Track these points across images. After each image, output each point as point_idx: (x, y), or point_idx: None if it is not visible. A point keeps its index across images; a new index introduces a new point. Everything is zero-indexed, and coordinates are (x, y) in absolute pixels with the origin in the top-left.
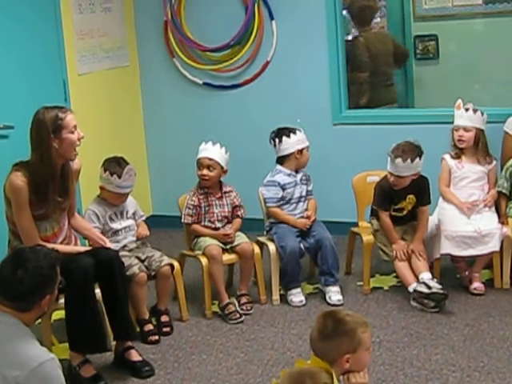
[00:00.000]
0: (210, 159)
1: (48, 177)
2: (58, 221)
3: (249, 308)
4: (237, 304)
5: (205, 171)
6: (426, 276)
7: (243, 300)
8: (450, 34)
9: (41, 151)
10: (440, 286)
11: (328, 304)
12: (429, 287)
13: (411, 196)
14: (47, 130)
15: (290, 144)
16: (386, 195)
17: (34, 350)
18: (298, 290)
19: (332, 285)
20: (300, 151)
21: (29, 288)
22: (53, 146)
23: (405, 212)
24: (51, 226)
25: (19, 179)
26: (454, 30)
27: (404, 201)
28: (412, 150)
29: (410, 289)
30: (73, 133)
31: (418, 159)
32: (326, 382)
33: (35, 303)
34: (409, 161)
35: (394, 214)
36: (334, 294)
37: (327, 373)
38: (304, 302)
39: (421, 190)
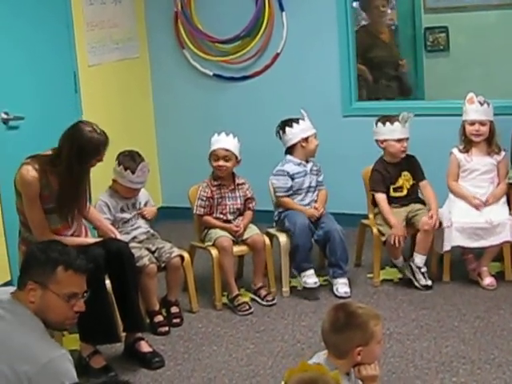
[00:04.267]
0: (227, 150)
1: (65, 183)
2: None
3: (271, 299)
4: (258, 298)
5: (221, 162)
6: (418, 261)
7: (263, 292)
8: (460, 25)
9: (71, 169)
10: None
11: (335, 296)
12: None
13: (405, 173)
14: (89, 156)
15: (294, 134)
16: (381, 177)
17: (45, 345)
18: (311, 271)
19: (340, 277)
20: (305, 139)
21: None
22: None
23: (404, 191)
24: (61, 218)
25: (30, 173)
26: (465, 21)
27: (400, 178)
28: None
29: (396, 263)
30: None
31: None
32: None
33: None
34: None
35: (394, 194)
36: (341, 286)
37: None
38: (318, 283)
39: (412, 165)
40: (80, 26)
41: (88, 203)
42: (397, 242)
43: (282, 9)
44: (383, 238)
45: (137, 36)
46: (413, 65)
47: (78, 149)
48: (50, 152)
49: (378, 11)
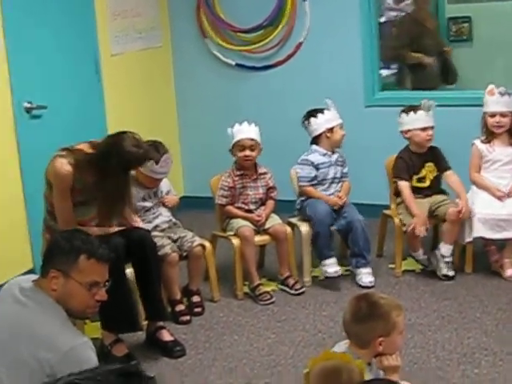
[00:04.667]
0: (252, 139)
1: (107, 191)
2: (95, 206)
3: (299, 287)
4: (286, 288)
5: (248, 152)
6: (444, 250)
7: (291, 281)
8: (484, 16)
9: (113, 176)
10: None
11: (359, 286)
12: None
13: (429, 164)
14: (132, 168)
15: (319, 124)
16: (405, 164)
17: (67, 332)
18: (332, 260)
19: (363, 267)
20: (330, 130)
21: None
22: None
23: (427, 182)
24: (89, 210)
25: (65, 167)
26: (488, 11)
27: (423, 169)
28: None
29: (415, 255)
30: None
31: None
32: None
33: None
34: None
35: (417, 185)
36: (365, 276)
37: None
38: (339, 272)
39: (436, 156)
40: (103, 15)
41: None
42: (417, 231)
43: None
44: (404, 228)
45: (159, 25)
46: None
47: (122, 162)
48: (83, 146)
49: None
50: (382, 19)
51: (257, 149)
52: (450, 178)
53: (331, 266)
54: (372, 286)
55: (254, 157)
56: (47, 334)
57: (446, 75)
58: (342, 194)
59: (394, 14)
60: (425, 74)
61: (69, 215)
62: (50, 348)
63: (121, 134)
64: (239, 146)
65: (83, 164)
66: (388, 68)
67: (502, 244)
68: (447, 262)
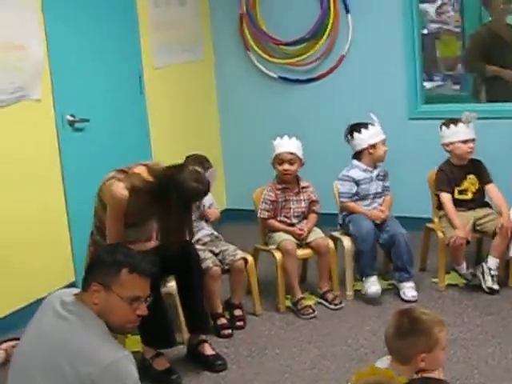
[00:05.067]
0: (291, 153)
1: (169, 223)
2: (146, 229)
3: (338, 302)
4: (325, 302)
5: (286, 166)
6: (492, 263)
7: (330, 296)
8: None
9: (175, 211)
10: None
11: (402, 300)
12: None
13: (471, 176)
14: (191, 203)
15: (362, 139)
16: (446, 177)
17: (108, 346)
18: (374, 278)
19: (406, 281)
20: (373, 146)
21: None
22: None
23: (469, 194)
24: (140, 233)
25: (122, 192)
26: None
27: (465, 181)
28: None
29: (458, 269)
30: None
31: None
32: None
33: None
34: None
35: (459, 197)
36: (408, 290)
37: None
38: (380, 291)
39: (478, 168)
40: (146, 28)
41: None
42: (458, 243)
43: (347, 11)
44: (446, 241)
45: (202, 38)
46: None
47: (183, 198)
48: (140, 170)
49: (498, 9)
50: (425, 31)
51: (296, 163)
52: (492, 191)
53: (372, 285)
54: (415, 301)
55: (294, 171)
56: (88, 348)
57: None
58: (384, 208)
59: (436, 26)
60: (502, 87)
61: (119, 237)
62: (90, 362)
63: (181, 167)
64: (278, 159)
65: (141, 191)
66: (431, 80)
67: None
68: (493, 276)
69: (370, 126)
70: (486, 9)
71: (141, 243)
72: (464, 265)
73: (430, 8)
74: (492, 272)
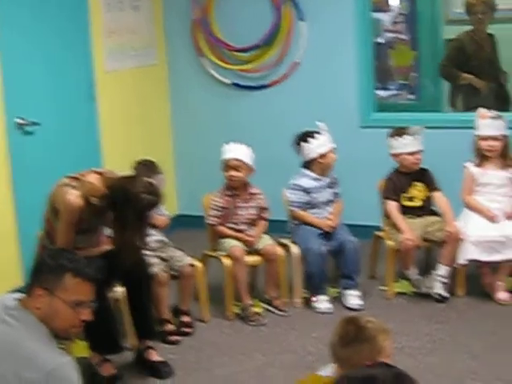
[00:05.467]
0: (238, 160)
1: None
2: (96, 236)
3: (286, 309)
4: (272, 308)
5: (232, 172)
6: (443, 272)
7: (278, 303)
8: None
9: (125, 221)
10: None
11: (347, 308)
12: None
13: (418, 183)
14: (143, 213)
15: (311, 149)
16: (393, 185)
17: (50, 352)
18: (325, 297)
19: (352, 288)
20: (323, 155)
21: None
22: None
23: (418, 202)
24: (88, 240)
25: (77, 201)
26: None
27: (412, 188)
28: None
29: (407, 273)
30: None
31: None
32: None
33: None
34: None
35: (408, 204)
36: (353, 298)
37: None
38: (331, 310)
39: (426, 177)
40: (98, 32)
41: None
42: (407, 245)
43: (300, 18)
44: (397, 247)
45: (155, 43)
46: (433, 76)
47: (137, 210)
48: (93, 178)
49: (477, 18)
50: (380, 40)
51: (243, 169)
52: (438, 199)
53: (322, 303)
54: (360, 309)
55: (240, 177)
56: (30, 354)
57: (500, 100)
58: (333, 215)
59: (391, 35)
60: (477, 97)
61: (69, 245)
62: (33, 367)
63: (135, 179)
64: (226, 165)
65: (96, 201)
66: (387, 89)
67: (495, 267)
68: (444, 283)
69: (318, 136)
70: (468, 16)
71: (90, 249)
72: (413, 270)
73: (386, 17)
74: (443, 280)
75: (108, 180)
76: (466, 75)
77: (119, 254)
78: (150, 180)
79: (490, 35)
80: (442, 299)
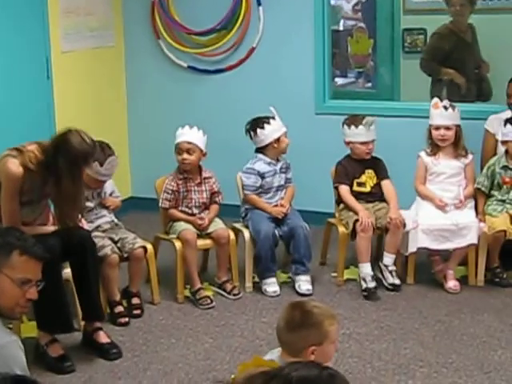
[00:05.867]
0: (189, 143)
1: (48, 182)
2: (40, 207)
3: (237, 292)
4: (223, 292)
5: (185, 155)
6: (388, 260)
7: (229, 286)
8: None
9: (63, 177)
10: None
11: (297, 293)
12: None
13: (370, 170)
14: (78, 166)
15: (266, 135)
16: (345, 170)
17: None
18: (273, 279)
19: (302, 274)
20: (277, 140)
21: None
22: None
23: (368, 187)
24: (33, 211)
25: (17, 169)
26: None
27: (363, 174)
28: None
29: (361, 268)
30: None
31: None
32: None
33: None
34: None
35: (358, 189)
36: (303, 284)
37: None
38: (278, 292)
39: (377, 165)
40: (55, 11)
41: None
42: (366, 222)
43: (258, 3)
44: (347, 231)
45: (112, 25)
46: (390, 66)
47: (69, 159)
48: (33, 148)
49: (455, 9)
50: (340, 27)
51: (195, 152)
52: (386, 186)
53: (271, 286)
54: (310, 294)
55: (192, 160)
56: None
57: (480, 91)
58: (284, 202)
59: (351, 23)
60: (458, 89)
61: (15, 216)
62: None
63: (66, 132)
64: (178, 148)
65: (34, 167)
66: (345, 77)
67: (446, 255)
68: (391, 271)
69: (271, 121)
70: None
71: (39, 227)
72: (368, 265)
73: (347, 5)
74: (390, 268)
75: (44, 144)
76: (446, 70)
77: (64, 230)
78: (83, 132)
79: (470, 25)
80: (394, 289)
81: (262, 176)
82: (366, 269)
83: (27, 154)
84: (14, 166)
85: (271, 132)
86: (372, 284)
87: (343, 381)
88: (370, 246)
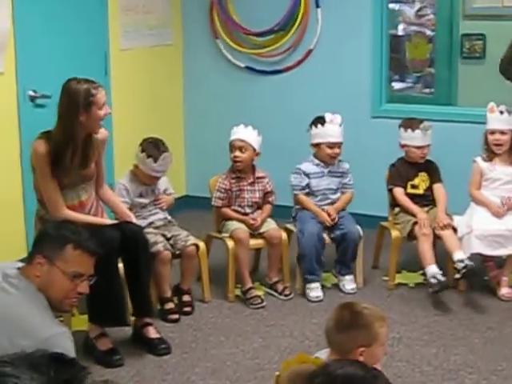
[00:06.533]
0: (242, 140)
1: (68, 147)
2: (85, 190)
3: (289, 293)
4: (274, 293)
5: (237, 153)
6: (459, 256)
7: (280, 287)
8: (498, 34)
9: (66, 122)
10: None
11: (342, 292)
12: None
13: (423, 173)
14: (78, 104)
15: (321, 134)
16: (398, 172)
17: (47, 321)
18: (317, 284)
19: (347, 274)
20: (330, 146)
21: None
22: (79, 119)
23: (421, 190)
24: (78, 195)
25: (41, 146)
26: (503, 30)
27: (417, 177)
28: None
29: (427, 270)
30: (101, 109)
31: None
32: None
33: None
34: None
35: (411, 191)
36: (347, 283)
37: None
38: (321, 297)
39: (431, 168)
40: (114, 9)
41: (104, 179)
42: (424, 223)
43: (317, 5)
44: (404, 235)
45: (171, 23)
46: (447, 71)
47: (71, 102)
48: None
49: None
50: (400, 32)
51: (248, 151)
52: (437, 189)
53: (314, 291)
54: (355, 293)
55: (244, 158)
56: (27, 322)
57: None
58: (331, 210)
59: (414, 28)
60: None
61: (55, 198)
62: (28, 335)
63: (64, 83)
64: (231, 146)
65: (53, 138)
66: (403, 81)
67: (500, 261)
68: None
69: (334, 125)
70: None
71: (95, 217)
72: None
73: (409, 10)
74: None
75: None
76: None
77: (117, 225)
78: (82, 78)
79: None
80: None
81: (307, 176)
82: (433, 269)
83: (51, 131)
84: (39, 144)
85: (328, 133)
86: (443, 278)
87: (386, 382)
88: (432, 248)
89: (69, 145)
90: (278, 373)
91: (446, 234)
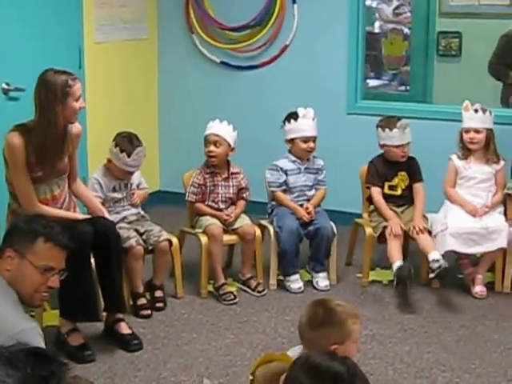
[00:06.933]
0: (217, 135)
1: (48, 139)
2: (58, 184)
3: (262, 289)
4: (247, 289)
5: (211, 147)
6: (435, 256)
7: (253, 283)
8: (474, 32)
9: (46, 112)
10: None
11: (316, 289)
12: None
13: (403, 173)
14: (55, 95)
15: (287, 131)
16: (377, 171)
17: (16, 316)
18: (297, 276)
19: (320, 271)
20: (305, 140)
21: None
22: (56, 111)
23: (399, 190)
24: (50, 189)
25: (15, 138)
26: (479, 28)
27: (396, 177)
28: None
29: (394, 267)
30: (77, 101)
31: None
32: None
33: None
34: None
35: (389, 192)
36: (321, 280)
37: None
38: (303, 288)
39: (411, 167)
40: (89, 2)
41: (77, 174)
42: (396, 231)
43: (294, 1)
44: (376, 234)
45: (146, 17)
46: (423, 68)
47: (49, 93)
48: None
49: None
50: (376, 29)
51: (222, 145)
52: (416, 190)
53: (295, 282)
54: (328, 290)
55: (219, 153)
56: None
57: None
58: (310, 205)
59: (391, 26)
60: None
61: (28, 192)
62: None
63: (40, 74)
64: (206, 140)
65: (33, 130)
66: (378, 78)
67: (474, 259)
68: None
69: (307, 120)
70: None
71: (68, 212)
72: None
73: (386, 7)
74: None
75: None
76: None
77: (89, 220)
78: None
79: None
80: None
81: (285, 173)
82: (400, 262)
83: (27, 124)
84: (13, 137)
85: (301, 128)
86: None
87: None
88: (401, 248)
89: (49, 137)
90: (251, 377)
91: (421, 238)
